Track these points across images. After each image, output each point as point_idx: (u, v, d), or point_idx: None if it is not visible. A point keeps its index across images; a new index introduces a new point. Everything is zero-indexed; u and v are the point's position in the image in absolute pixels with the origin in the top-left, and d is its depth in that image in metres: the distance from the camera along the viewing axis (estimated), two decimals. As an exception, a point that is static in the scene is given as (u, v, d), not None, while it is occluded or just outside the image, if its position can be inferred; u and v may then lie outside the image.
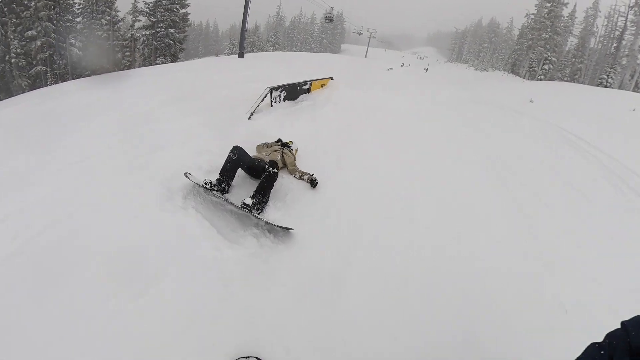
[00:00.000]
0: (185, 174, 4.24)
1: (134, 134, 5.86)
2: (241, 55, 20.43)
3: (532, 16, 51.99)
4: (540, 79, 46.50)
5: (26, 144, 5.84)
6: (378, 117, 8.01)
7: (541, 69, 48.02)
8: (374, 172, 5.42)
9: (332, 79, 11.57)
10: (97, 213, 3.85)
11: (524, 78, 50.38)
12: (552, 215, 5.00)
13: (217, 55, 63.61)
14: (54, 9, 24.16)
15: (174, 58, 31.59)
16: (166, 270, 3.20)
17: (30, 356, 2.44)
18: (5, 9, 22.65)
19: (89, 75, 24.15)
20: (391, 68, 32.71)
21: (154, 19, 30.78)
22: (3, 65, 24.05)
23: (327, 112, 7.80)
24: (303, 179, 4.80)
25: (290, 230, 3.71)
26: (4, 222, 3.72)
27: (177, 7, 31.36)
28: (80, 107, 8.13)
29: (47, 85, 23.56)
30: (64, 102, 9.09)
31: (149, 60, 30.73)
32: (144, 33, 31.22)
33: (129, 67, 29.50)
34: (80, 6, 28.65)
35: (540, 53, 48.17)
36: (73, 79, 24.17)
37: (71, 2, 26.63)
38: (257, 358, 2.56)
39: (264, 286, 3.15)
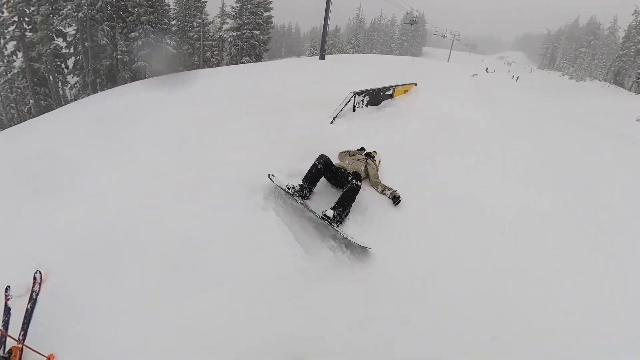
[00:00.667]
0: (268, 175, 4.27)
1: (219, 129, 6.08)
2: (322, 57, 20.64)
3: None
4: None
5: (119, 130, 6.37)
6: (464, 130, 7.35)
7: None
8: (460, 192, 4.88)
9: (415, 84, 11.12)
10: (178, 204, 4.06)
11: (630, 90, 44.12)
12: None
13: (298, 57, 65.47)
14: (152, 14, 27.67)
15: (258, 58, 33.43)
16: (239, 268, 3.25)
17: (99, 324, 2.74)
18: (114, 15, 26.46)
19: (181, 71, 26.91)
20: (476, 74, 30.85)
21: (240, 22, 32.84)
22: (111, 60, 27.60)
23: (411, 121, 7.37)
24: (385, 194, 4.51)
25: (369, 249, 3.53)
26: (85, 200, 4.15)
27: (262, 10, 33.16)
28: (171, 100, 8.72)
29: (146, 77, 26.63)
30: (157, 94, 9.87)
31: (235, 59, 32.93)
32: (231, 34, 33.43)
33: (217, 65, 32.33)
34: (175, 11, 32.22)
35: None
36: (168, 73, 27.01)
37: (167, 7, 29.96)
38: None
39: (335, 304, 3.02)
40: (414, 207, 4.40)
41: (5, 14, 24.50)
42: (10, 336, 2.54)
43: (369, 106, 7.99)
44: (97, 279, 3.13)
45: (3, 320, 2.74)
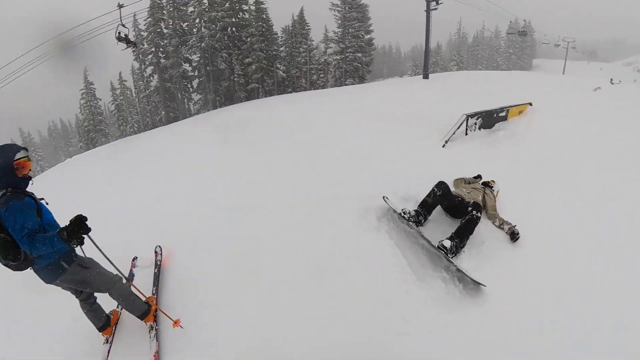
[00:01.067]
0: (383, 197, 4.33)
1: (334, 147, 6.33)
2: (426, 76, 20.28)
3: None
4: None
5: (240, 141, 7.07)
6: (591, 157, 6.37)
7: None
8: (591, 237, 4.16)
9: (530, 104, 10.25)
10: (297, 218, 4.35)
11: None
12: None
13: (401, 76, 64.98)
14: (263, 42, 31.95)
15: (362, 79, 34.67)
16: (351, 283, 3.36)
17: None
18: (230, 44, 31.43)
19: (290, 92, 29.91)
20: (599, 87, 26.90)
21: (343, 46, 34.56)
22: (229, 82, 32.61)
23: (529, 147, 6.68)
24: (502, 229, 4.17)
25: (483, 287, 3.36)
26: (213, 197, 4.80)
27: (363, 33, 34.50)
28: (285, 117, 9.38)
29: (258, 97, 30.98)
30: (272, 111, 10.69)
31: (339, 81, 34.82)
32: (335, 58, 35.42)
33: (322, 87, 34.75)
34: (283, 38, 35.82)
35: None
36: (278, 94, 31.10)
37: (276, 36, 34.02)
38: None
39: (445, 337, 2.95)
40: (533, 245, 3.98)
41: (146, 45, 31.93)
42: (137, 289, 3.24)
43: (481, 129, 7.60)
44: (231, 272, 3.66)
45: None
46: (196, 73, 33.00)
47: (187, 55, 32.09)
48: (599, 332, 2.99)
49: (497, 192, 4.87)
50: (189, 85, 33.92)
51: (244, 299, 3.36)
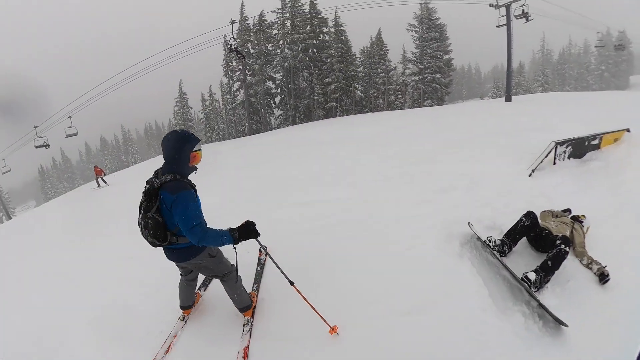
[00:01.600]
0: (468, 223, 4.41)
1: (416, 169, 6.47)
2: (508, 99, 19.34)
3: None
4: None
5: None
6: None
7: None
8: None
9: (628, 130, 9.32)
10: (378, 230, 4.59)
11: None
12: None
13: (481, 98, 62.46)
14: (342, 63, 33.70)
15: (440, 101, 34.40)
16: (429, 305, 3.46)
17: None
18: (311, 65, 33.89)
19: (367, 112, 30.65)
20: None
21: (421, 66, 34.70)
22: (309, 100, 35.24)
23: (627, 180, 6.06)
24: (591, 268, 3.92)
25: (564, 327, 3.22)
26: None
27: (441, 53, 34.40)
28: (366, 137, 9.67)
29: (337, 116, 33.18)
30: (356, 130, 11.06)
31: (417, 103, 34.93)
32: (413, 79, 35.86)
33: (400, 108, 34.83)
34: (361, 59, 37.76)
35: None
36: (355, 114, 32.58)
37: (354, 57, 35.89)
38: None
39: None
40: (627, 291, 3.69)
41: (234, 63, 35.92)
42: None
43: (571, 159, 7.17)
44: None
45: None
46: (279, 90, 36.34)
47: (271, 73, 35.32)
48: None
49: (588, 228, 4.59)
50: (272, 101, 37.25)
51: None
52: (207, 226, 2.72)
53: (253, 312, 3.61)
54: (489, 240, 4.08)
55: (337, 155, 7.65)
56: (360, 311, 3.49)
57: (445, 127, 10.86)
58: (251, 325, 3.48)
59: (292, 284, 3.21)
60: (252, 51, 33.49)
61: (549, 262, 3.71)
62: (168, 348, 3.44)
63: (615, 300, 3.62)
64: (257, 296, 3.83)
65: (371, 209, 5.29)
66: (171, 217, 2.70)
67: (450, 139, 8.65)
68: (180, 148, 2.72)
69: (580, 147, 7.48)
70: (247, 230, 2.83)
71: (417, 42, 34.61)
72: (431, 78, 33.80)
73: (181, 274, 3.45)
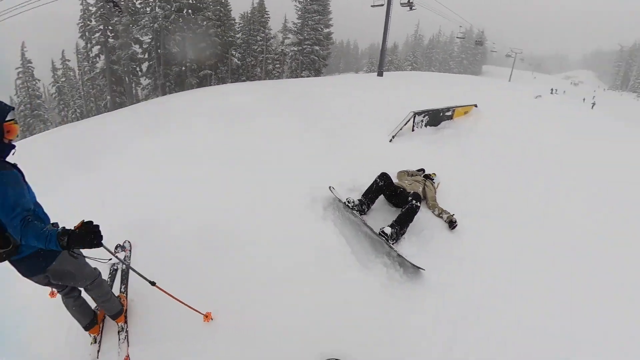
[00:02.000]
0: (329, 187, 4.45)
1: (283, 138, 6.35)
2: (380, 74, 20.78)
3: None
4: None
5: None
6: (531, 156, 7.00)
7: None
8: (523, 224, 4.66)
9: (475, 106, 10.85)
10: (245, 204, 4.35)
11: None
12: None
13: (356, 72, 66.03)
14: (219, 28, 30.65)
15: (318, 72, 34.65)
16: (298, 270, 3.42)
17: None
18: (184, 27, 29.25)
19: (244, 81, 28.80)
20: (540, 95, 29.28)
21: (301, 37, 34.32)
22: (180, 67, 30.66)
23: (472, 146, 7.21)
24: (441, 217, 4.50)
25: (422, 270, 3.57)
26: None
27: (322, 27, 34.52)
28: (238, 107, 9.21)
29: (211, 84, 29.62)
30: (228, 101, 10.48)
31: (295, 73, 34.58)
32: (292, 49, 35.16)
33: (278, 77, 33.94)
34: (240, 25, 34.70)
35: None
36: (231, 82, 29.61)
37: (233, 22, 32.93)
38: None
39: (385, 319, 3.10)
40: (471, 233, 4.36)
41: (93, 22, 29.02)
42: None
43: (428, 127, 7.97)
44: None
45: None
46: (146, 56, 30.64)
47: (138, 36, 29.43)
48: (526, 309, 3.36)
49: (438, 184, 5.21)
50: (138, 69, 31.31)
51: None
52: (34, 221, 2.00)
53: (125, 317, 3.08)
54: (348, 201, 4.20)
55: (205, 129, 7.01)
56: (230, 291, 3.26)
57: (316, 97, 11.01)
58: (126, 331, 3.00)
59: (153, 284, 2.68)
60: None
61: (403, 216, 4.00)
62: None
63: (462, 241, 4.23)
64: (127, 298, 3.25)
65: (236, 182, 4.95)
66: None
67: (319, 108, 8.77)
68: None
69: (436, 117, 8.38)
70: (83, 236, 1.97)
71: (300, 12, 34.16)
72: (310, 50, 33.90)
73: (59, 292, 2.73)
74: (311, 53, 33.92)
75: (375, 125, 7.33)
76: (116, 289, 3.31)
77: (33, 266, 2.30)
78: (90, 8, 28.97)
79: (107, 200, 4.59)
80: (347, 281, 3.39)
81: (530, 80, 69.18)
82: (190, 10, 29.48)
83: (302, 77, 31.95)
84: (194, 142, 6.52)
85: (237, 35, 33.92)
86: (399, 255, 3.68)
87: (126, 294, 3.29)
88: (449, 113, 9.03)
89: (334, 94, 12.01)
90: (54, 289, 2.74)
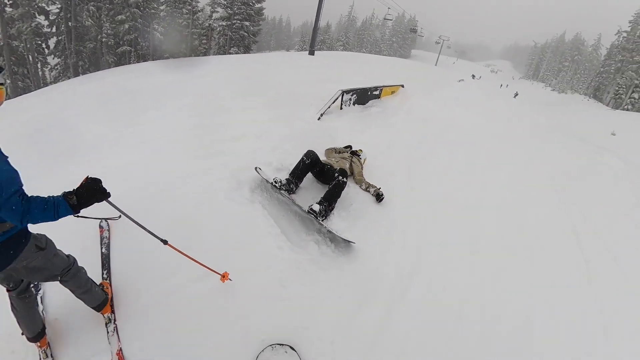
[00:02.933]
0: (255, 168, 4.31)
1: (209, 120, 6.06)
2: (311, 53, 20.74)
3: (625, 34, 46.00)
4: (627, 109, 41.68)
5: (111, 116, 6.30)
6: (451, 133, 7.64)
7: (629, 98, 42.81)
8: (444, 194, 5.17)
9: (402, 86, 11.29)
10: (168, 192, 4.03)
11: (607, 106, 45.88)
12: (619, 273, 4.47)
13: (288, 50, 65.06)
14: None
15: (247, 49, 32.96)
16: (227, 258, 3.26)
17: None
18: None
19: (167, 58, 26.46)
20: (462, 79, 31.67)
21: (230, 11, 32.21)
22: (95, 43, 26.66)
23: (397, 122, 7.58)
24: (369, 191, 4.67)
25: (352, 244, 3.65)
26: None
27: (253, 1, 32.64)
28: (160, 88, 8.61)
29: (130, 63, 26.23)
30: (146, 80, 9.72)
31: (223, 49, 32.42)
32: (220, 24, 32.72)
33: (205, 54, 31.83)
34: None
35: (631, 79, 42.76)
36: (153, 60, 26.81)
37: None
38: (289, 346, 2.64)
39: (321, 295, 3.13)
40: (398, 205, 4.60)
41: None
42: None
43: (356, 105, 8.11)
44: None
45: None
46: (54, 29, 25.95)
47: (43, 4, 24.53)
48: (453, 275, 3.69)
49: (365, 160, 5.36)
50: (44, 46, 26.22)
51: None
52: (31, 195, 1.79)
53: (112, 307, 2.73)
54: (275, 181, 4.13)
55: (128, 111, 6.42)
56: (159, 283, 3.00)
57: (245, 75, 10.69)
58: (115, 322, 2.65)
59: (165, 242, 2.49)
60: None
61: (331, 192, 4.04)
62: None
63: (390, 213, 4.45)
64: (110, 285, 2.86)
65: (161, 169, 4.59)
66: None
67: (248, 88, 8.51)
68: None
69: (364, 96, 8.56)
70: (91, 192, 1.92)
71: (230, -15, 32.40)
72: (240, 25, 32.00)
73: (9, 290, 2.26)
74: (241, 29, 32.05)
75: (304, 104, 7.28)
76: (97, 277, 2.83)
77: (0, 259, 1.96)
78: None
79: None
80: (280, 262, 3.36)
81: (453, 66, 74.54)
82: (106, -25, 25.32)
83: (230, 53, 30.40)
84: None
85: (161, 7, 30.65)
86: (329, 231, 3.71)
87: (109, 281, 2.89)
88: (377, 92, 9.27)
89: (263, 72, 11.75)
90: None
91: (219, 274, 2.90)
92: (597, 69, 55.32)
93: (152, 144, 5.00)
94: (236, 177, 4.29)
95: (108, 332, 2.60)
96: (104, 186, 1.99)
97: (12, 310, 2.32)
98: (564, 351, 3.16)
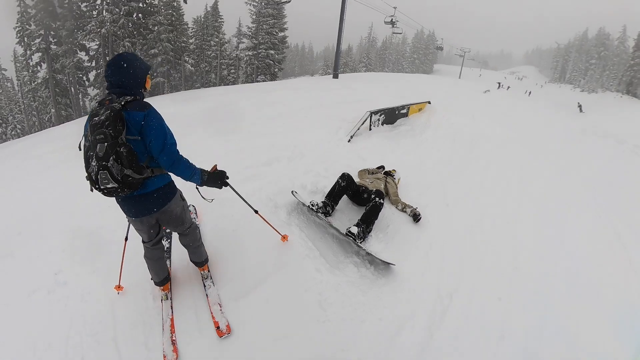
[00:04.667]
0: (292, 192, 4.38)
1: (243, 144, 6.23)
2: (335, 76, 21.05)
3: None
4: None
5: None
6: (482, 147, 7.51)
7: None
8: (480, 210, 5.04)
9: (429, 102, 11.28)
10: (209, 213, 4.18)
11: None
12: None
13: (312, 75, 66.46)
14: (172, 32, 28.79)
15: (273, 77, 34.10)
16: (266, 280, 3.33)
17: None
18: (134, 32, 27.18)
19: (198, 88, 27.52)
20: (488, 90, 31.17)
21: (256, 41, 33.68)
22: None
23: (427, 140, 7.54)
24: (405, 212, 4.61)
25: (392, 265, 3.60)
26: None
27: (277, 30, 33.93)
28: (192, 115, 8.93)
29: (164, 93, 27.85)
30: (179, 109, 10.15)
31: (250, 78, 33.65)
32: (247, 53, 34.32)
33: (233, 83, 33.04)
34: (194, 30, 33.68)
35: None
36: (185, 89, 28.25)
37: (186, 26, 31.29)
38: None
39: (360, 317, 3.08)
40: (435, 224, 4.51)
41: (33, 26, 25.96)
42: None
43: (384, 125, 8.15)
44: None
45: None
46: (93, 64, 28.15)
47: (84, 42, 26.90)
48: (495, 292, 3.57)
49: (399, 179, 5.34)
50: (85, 78, 28.69)
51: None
52: None
53: (208, 267, 3.38)
54: (312, 204, 4.16)
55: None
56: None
57: (273, 100, 10.97)
58: (211, 278, 3.30)
59: (256, 212, 3.45)
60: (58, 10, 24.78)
61: (368, 214, 4.03)
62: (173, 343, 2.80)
63: (428, 232, 4.36)
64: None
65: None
66: (139, 145, 2.26)
67: (276, 112, 8.73)
68: (132, 68, 2.31)
69: (391, 115, 8.60)
70: (217, 178, 2.71)
71: (254, 16, 33.57)
72: (265, 54, 33.31)
73: (144, 241, 2.84)
74: (266, 57, 33.37)
75: (333, 126, 7.39)
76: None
77: (149, 205, 2.48)
78: (29, 10, 25.86)
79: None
80: (319, 284, 3.35)
81: (476, 77, 73.69)
82: (140, 14, 27.59)
83: (257, 81, 31.36)
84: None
85: (190, 41, 32.65)
86: (367, 253, 3.68)
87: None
88: (404, 111, 9.30)
89: (291, 97, 11.99)
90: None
91: (280, 234, 3.65)
92: (626, 63, 51.75)
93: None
94: (273, 201, 4.36)
95: (205, 286, 3.21)
96: (227, 180, 2.77)
97: (145, 258, 2.91)
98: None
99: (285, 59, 37.39)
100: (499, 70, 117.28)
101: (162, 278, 2.99)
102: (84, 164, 2.25)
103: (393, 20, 26.13)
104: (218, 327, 2.86)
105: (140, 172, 2.27)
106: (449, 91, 19.94)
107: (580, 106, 31.48)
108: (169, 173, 2.50)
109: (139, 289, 3.18)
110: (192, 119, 8.35)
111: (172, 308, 3.01)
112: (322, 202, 4.25)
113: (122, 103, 2.20)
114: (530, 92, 41.53)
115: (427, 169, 6.04)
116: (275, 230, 3.59)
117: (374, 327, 3.01)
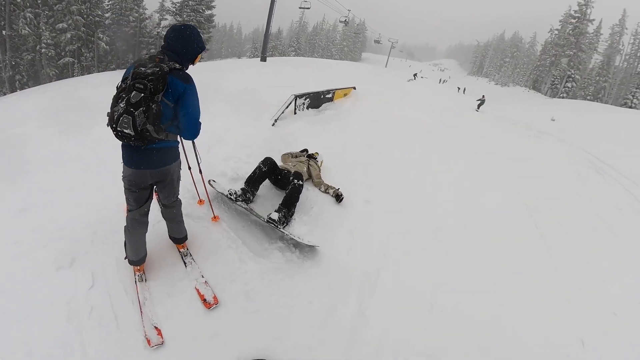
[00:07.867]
0: (209, 181, 4.19)
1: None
2: (263, 59, 20.62)
3: (556, 32, 52.19)
4: (562, 97, 45.63)
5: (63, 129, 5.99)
6: (404, 131, 7.89)
7: (564, 87, 47.17)
8: (403, 190, 5.28)
9: (354, 88, 11.51)
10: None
11: (545, 95, 49.67)
12: (574, 244, 4.84)
13: (239, 58, 64.39)
14: (84, 4, 25.36)
15: None
16: (189, 276, 3.16)
17: None
18: (38, 1, 23.38)
19: (114, 69, 24.81)
20: (412, 79, 32.93)
21: (180, 19, 31.45)
22: (34, 54, 24.67)
23: (351, 123, 7.72)
24: (328, 193, 4.68)
25: (317, 247, 3.62)
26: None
27: (203, 8, 32.10)
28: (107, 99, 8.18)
29: (73, 76, 24.39)
30: (90, 93, 9.26)
31: None
32: None
33: None
34: (110, 2, 29.89)
35: (564, 70, 47.47)
36: (99, 71, 25.03)
37: None
38: None
39: (289, 303, 3.07)
40: (358, 203, 4.64)
41: None
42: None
43: (309, 109, 8.16)
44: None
45: None
46: None
47: None
48: (419, 272, 3.69)
49: (322, 162, 5.39)
50: None
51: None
52: None
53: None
54: (230, 193, 4.04)
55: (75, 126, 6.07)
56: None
57: (197, 84, 10.41)
58: (190, 255, 3.35)
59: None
60: None
61: (288, 198, 3.99)
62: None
63: (351, 212, 4.49)
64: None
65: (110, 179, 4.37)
66: (168, 109, 2.44)
67: (199, 96, 8.29)
68: (193, 42, 2.60)
69: (317, 100, 8.63)
70: None
71: (180, -8, 31.45)
72: None
73: (131, 210, 2.80)
74: (191, 37, 31.53)
75: (257, 111, 7.22)
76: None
77: (155, 160, 2.58)
78: None
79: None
80: (244, 274, 3.27)
81: (404, 67, 77.78)
82: (45, -19, 23.27)
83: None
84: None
85: (106, 15, 29.01)
86: (292, 237, 3.65)
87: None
88: (330, 95, 9.38)
89: (214, 80, 11.48)
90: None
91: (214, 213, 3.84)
92: (534, 63, 60.93)
93: (98, 166, 4.73)
94: (191, 192, 4.13)
95: (185, 264, 3.24)
96: None
97: (125, 232, 2.86)
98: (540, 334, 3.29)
99: (211, 39, 35.59)
100: (424, 61, 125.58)
101: (141, 257, 2.98)
102: (111, 101, 2.38)
103: None
104: (205, 300, 2.93)
105: (159, 132, 2.42)
106: (375, 78, 20.57)
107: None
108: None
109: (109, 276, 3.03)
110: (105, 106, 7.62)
111: (149, 289, 2.98)
112: (241, 189, 4.12)
113: (171, 68, 2.39)
114: (465, 89, 44.39)
115: (351, 152, 6.19)
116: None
117: (305, 311, 3.00)
